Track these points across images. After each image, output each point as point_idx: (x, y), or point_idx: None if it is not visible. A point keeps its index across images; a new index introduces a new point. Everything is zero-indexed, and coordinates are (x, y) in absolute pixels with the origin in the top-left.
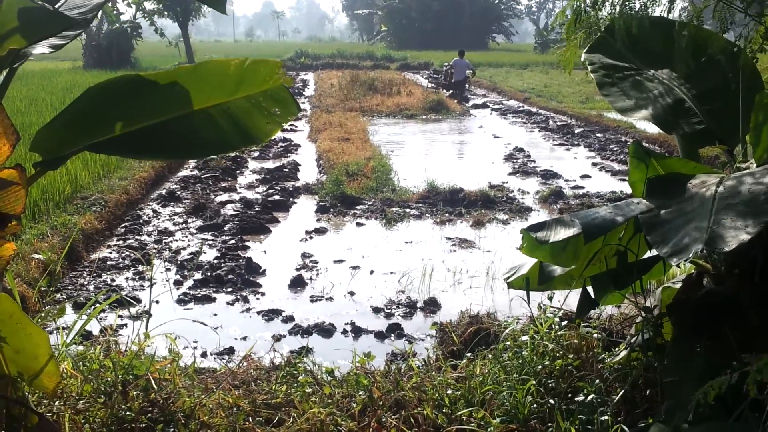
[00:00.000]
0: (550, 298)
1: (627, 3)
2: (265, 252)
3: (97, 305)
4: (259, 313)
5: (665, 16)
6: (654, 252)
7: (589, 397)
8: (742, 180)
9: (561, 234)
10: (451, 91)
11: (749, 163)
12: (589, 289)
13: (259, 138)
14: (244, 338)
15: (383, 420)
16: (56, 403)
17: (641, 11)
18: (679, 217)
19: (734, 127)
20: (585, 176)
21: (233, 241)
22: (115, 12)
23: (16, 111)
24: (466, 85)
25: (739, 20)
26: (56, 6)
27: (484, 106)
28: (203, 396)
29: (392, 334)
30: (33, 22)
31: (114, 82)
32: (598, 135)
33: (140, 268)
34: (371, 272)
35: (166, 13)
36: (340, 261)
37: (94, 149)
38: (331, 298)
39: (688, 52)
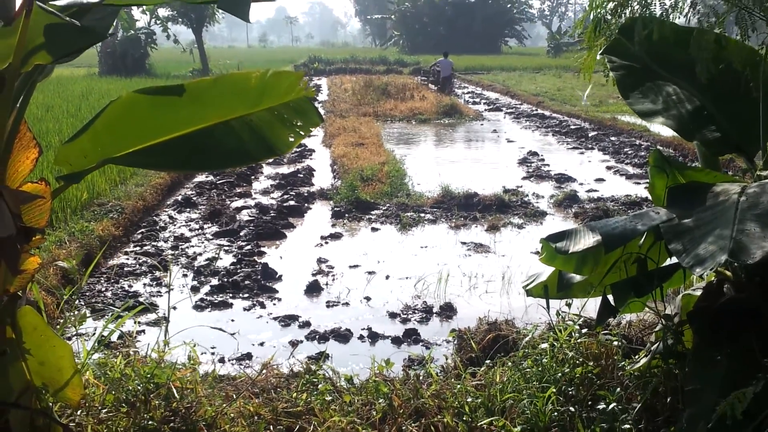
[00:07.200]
0: (569, 305)
1: (647, 10)
2: (281, 257)
3: (121, 314)
4: (275, 318)
5: (685, 23)
6: (674, 260)
7: (610, 406)
8: (765, 189)
9: (581, 244)
10: (439, 86)
11: None
12: (609, 296)
13: (281, 149)
14: (261, 344)
15: (403, 428)
16: (79, 413)
17: (663, 17)
18: (701, 227)
19: (755, 135)
20: (599, 180)
21: (249, 247)
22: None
23: (32, 118)
24: (453, 80)
25: (761, 27)
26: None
27: (497, 109)
28: (224, 405)
29: (409, 340)
30: (60, 39)
31: (136, 95)
32: (612, 138)
33: (157, 274)
34: (387, 277)
35: (180, 19)
36: (356, 266)
37: (117, 162)
38: (347, 304)
39: (708, 59)
